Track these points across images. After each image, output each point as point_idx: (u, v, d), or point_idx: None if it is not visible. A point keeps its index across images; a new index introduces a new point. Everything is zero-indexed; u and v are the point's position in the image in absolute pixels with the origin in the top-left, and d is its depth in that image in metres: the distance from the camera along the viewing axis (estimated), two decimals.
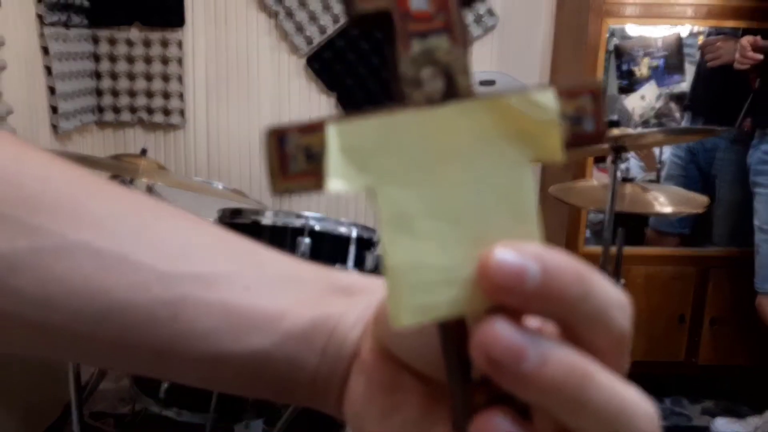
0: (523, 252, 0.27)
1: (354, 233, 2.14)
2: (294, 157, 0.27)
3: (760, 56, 2.74)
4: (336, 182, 0.27)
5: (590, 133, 0.29)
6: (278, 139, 0.27)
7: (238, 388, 0.41)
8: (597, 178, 3.05)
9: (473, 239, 0.28)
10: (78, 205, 0.39)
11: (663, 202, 2.58)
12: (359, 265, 2.19)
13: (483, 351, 0.27)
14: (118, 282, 0.38)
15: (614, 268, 2.53)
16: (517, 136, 0.28)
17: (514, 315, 0.27)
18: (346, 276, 0.43)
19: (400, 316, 0.27)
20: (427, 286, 0.28)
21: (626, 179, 2.60)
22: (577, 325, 0.28)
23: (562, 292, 0.27)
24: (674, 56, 3.14)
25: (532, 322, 0.29)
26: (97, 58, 3.15)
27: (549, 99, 0.28)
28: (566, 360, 0.27)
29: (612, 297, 0.28)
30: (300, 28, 3.19)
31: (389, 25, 0.28)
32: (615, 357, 0.29)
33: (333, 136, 0.27)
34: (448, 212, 0.28)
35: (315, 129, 0.28)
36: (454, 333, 0.29)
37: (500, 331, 0.26)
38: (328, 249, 2.17)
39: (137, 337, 0.38)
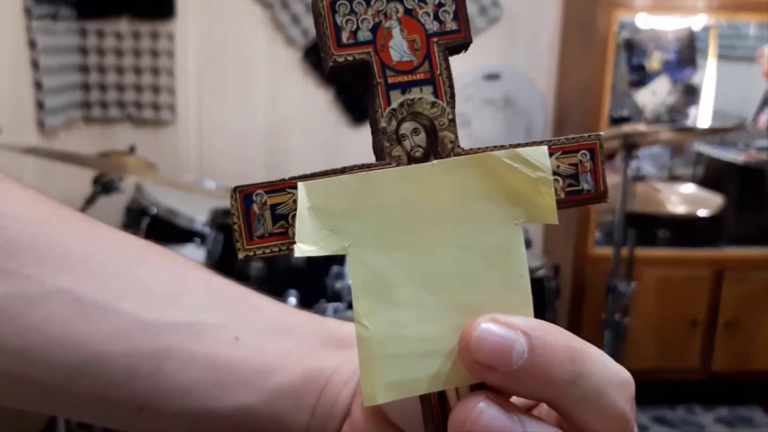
0: (510, 325, 0.26)
1: None
2: (260, 217, 0.26)
3: None
4: (305, 246, 0.26)
5: (589, 192, 0.27)
6: (243, 198, 0.26)
7: None
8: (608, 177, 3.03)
9: (457, 308, 0.27)
10: (59, 248, 0.38)
11: (675, 202, 2.57)
12: None
13: None
14: (97, 331, 0.37)
15: (626, 271, 2.52)
16: (507, 196, 0.27)
17: (500, 393, 0.26)
18: (341, 326, 0.42)
19: (375, 393, 0.26)
20: (405, 360, 0.26)
21: (637, 178, 2.59)
22: (569, 408, 0.27)
23: (551, 372, 0.25)
24: (686, 50, 3.12)
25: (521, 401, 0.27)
26: (84, 51, 3.13)
27: (542, 155, 0.27)
28: None
29: (609, 376, 0.27)
30: (296, 20, 3.17)
31: (369, 76, 0.27)
32: None
33: (303, 195, 0.26)
34: (430, 278, 0.27)
35: (284, 187, 0.26)
36: (436, 408, 0.28)
37: (481, 411, 0.25)
38: None
39: (116, 391, 0.37)
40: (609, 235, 2.95)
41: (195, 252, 2.35)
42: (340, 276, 2.17)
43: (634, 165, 2.45)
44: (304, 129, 3.30)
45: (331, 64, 0.26)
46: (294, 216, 0.26)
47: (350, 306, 2.17)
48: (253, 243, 0.26)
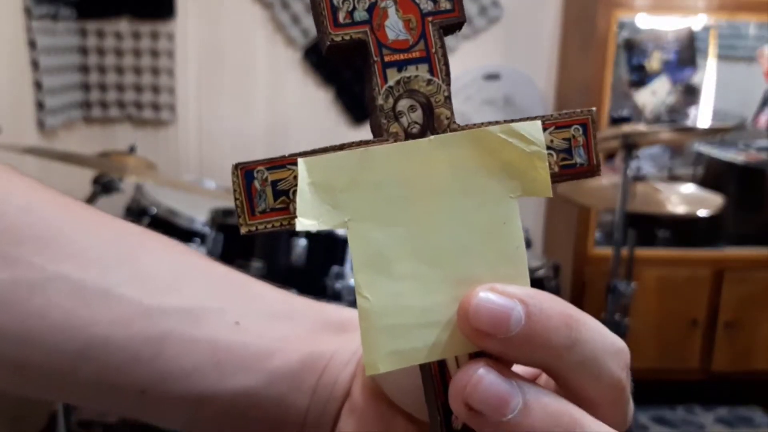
0: (507, 294, 0.26)
1: None
2: (261, 193, 0.27)
3: None
4: (306, 221, 0.27)
5: (582, 165, 0.28)
6: (245, 175, 0.27)
7: (223, 428, 0.41)
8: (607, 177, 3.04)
9: (455, 280, 0.27)
10: (60, 235, 0.39)
11: (675, 202, 2.58)
12: None
13: (461, 398, 0.26)
14: (99, 317, 0.37)
15: (626, 271, 2.53)
16: (502, 170, 0.28)
17: (499, 361, 0.27)
18: (340, 311, 0.42)
19: (376, 362, 0.27)
20: (405, 330, 0.27)
21: (638, 178, 2.59)
22: (565, 374, 0.27)
23: (548, 338, 0.26)
24: (686, 50, 3.13)
25: (520, 369, 0.28)
26: (84, 51, 3.14)
27: (535, 129, 0.28)
28: (552, 409, 0.26)
29: (605, 343, 0.27)
30: (296, 20, 3.18)
31: (365, 55, 0.27)
32: (610, 408, 0.28)
33: (303, 171, 0.27)
34: (429, 251, 0.27)
35: (285, 164, 0.27)
36: (436, 377, 0.29)
37: (480, 377, 0.26)
38: (325, 250, 2.17)
39: (118, 376, 0.38)
40: (609, 235, 2.95)
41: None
42: (340, 276, 2.18)
43: (634, 165, 2.45)
44: (304, 129, 3.31)
45: (328, 43, 0.27)
46: (295, 191, 0.27)
47: (350, 306, 2.17)
48: (255, 218, 0.27)
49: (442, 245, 0.27)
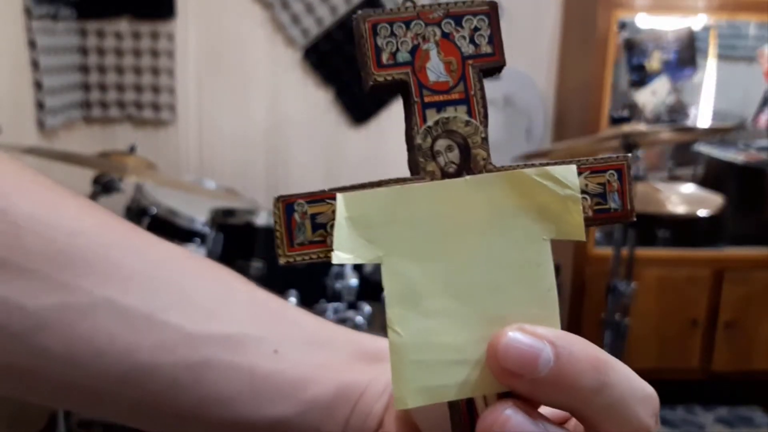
0: (536, 335, 0.27)
1: None
2: (301, 226, 0.28)
3: None
4: (343, 254, 0.27)
5: (616, 211, 0.29)
6: (285, 207, 0.28)
7: None
8: None
9: (486, 319, 0.28)
10: (107, 259, 0.39)
11: (675, 202, 2.58)
12: (359, 267, 2.19)
13: None
14: (143, 342, 0.38)
15: (626, 271, 2.53)
16: (536, 212, 0.28)
17: (528, 403, 0.27)
18: (376, 341, 0.43)
19: (406, 398, 0.27)
20: (435, 367, 0.28)
21: (638, 178, 2.60)
22: (593, 418, 0.27)
23: (576, 380, 0.26)
24: (686, 50, 3.14)
25: (548, 412, 0.28)
26: (84, 51, 3.14)
27: (570, 174, 0.28)
28: None
29: (634, 388, 0.28)
30: (296, 20, 3.17)
31: (406, 95, 0.28)
32: None
33: (342, 206, 0.28)
34: (461, 289, 0.28)
35: (324, 198, 0.28)
36: (464, 415, 0.29)
37: (508, 417, 0.26)
38: None
39: (159, 400, 0.38)
40: (609, 235, 2.96)
41: (195, 252, 2.36)
42: (340, 276, 2.18)
43: (634, 165, 2.45)
44: (304, 129, 3.31)
45: (371, 83, 0.28)
46: (332, 225, 0.28)
47: (350, 306, 2.18)
48: (294, 250, 0.28)
49: (475, 283, 0.28)
